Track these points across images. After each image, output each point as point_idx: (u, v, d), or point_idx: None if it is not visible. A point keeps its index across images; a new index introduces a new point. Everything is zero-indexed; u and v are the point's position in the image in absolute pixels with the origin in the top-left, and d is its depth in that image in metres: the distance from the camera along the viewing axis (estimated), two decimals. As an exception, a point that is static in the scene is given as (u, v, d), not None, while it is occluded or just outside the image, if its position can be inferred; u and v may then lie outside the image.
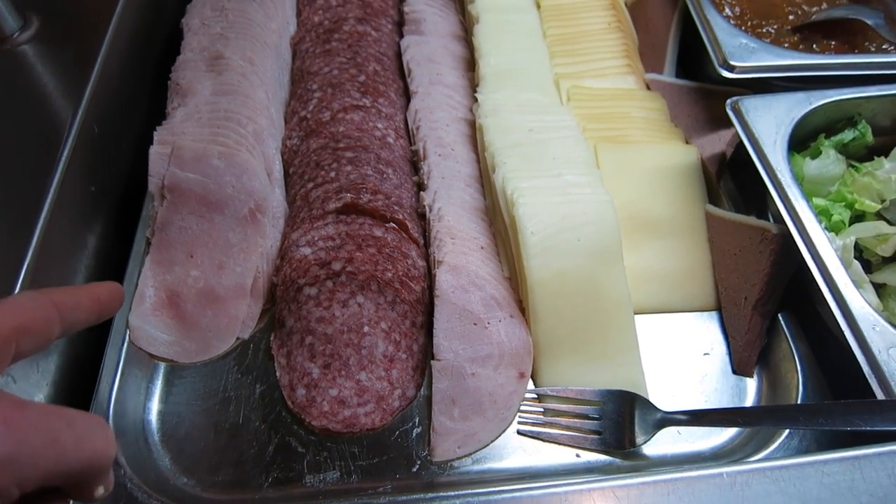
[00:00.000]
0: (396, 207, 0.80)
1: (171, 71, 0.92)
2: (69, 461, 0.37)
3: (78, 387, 0.70)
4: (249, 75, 0.91)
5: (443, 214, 0.79)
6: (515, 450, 0.69)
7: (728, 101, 0.80)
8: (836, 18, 0.94)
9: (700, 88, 0.93)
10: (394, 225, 0.79)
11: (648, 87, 0.95)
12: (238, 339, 0.76)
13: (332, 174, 0.83)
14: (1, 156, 0.73)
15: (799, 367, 0.71)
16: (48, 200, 0.69)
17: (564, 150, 0.82)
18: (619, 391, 0.70)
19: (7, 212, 0.68)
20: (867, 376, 0.60)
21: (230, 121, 0.84)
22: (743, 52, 0.84)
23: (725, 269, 0.78)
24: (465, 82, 0.96)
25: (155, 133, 0.82)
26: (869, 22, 0.90)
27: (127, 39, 0.92)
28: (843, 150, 0.81)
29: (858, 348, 0.62)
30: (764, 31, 0.96)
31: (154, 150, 0.80)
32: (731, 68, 0.83)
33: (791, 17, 0.99)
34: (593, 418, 0.69)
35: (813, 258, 0.67)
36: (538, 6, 1.01)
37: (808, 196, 0.72)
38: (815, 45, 0.94)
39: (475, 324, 0.72)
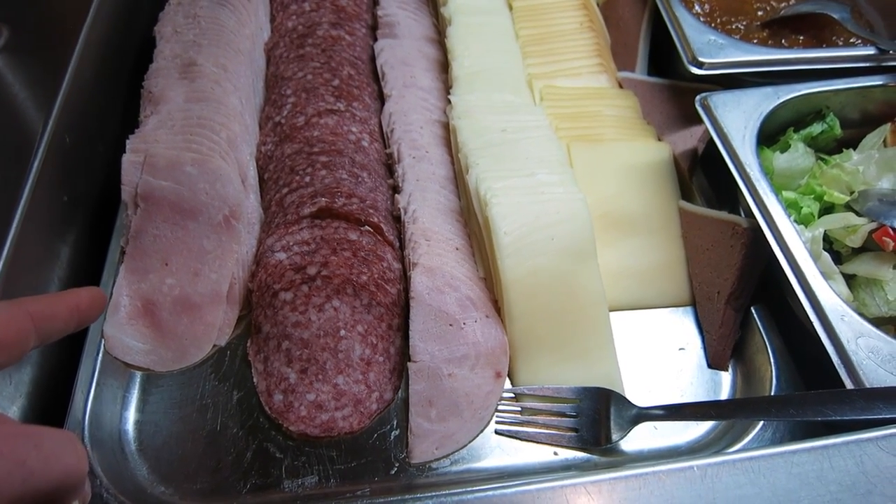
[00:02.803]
0: (371, 211, 0.80)
1: (144, 79, 0.91)
2: (38, 482, 0.36)
3: (53, 398, 0.70)
4: (223, 82, 0.90)
5: (417, 216, 0.79)
6: (494, 450, 0.69)
7: (697, 98, 0.80)
8: (804, 13, 0.95)
9: (671, 86, 0.94)
10: (369, 228, 0.79)
11: (621, 86, 0.96)
12: (215, 346, 0.76)
13: (307, 179, 0.83)
14: (-30, 167, 0.73)
15: (772, 360, 0.72)
16: (19, 212, 0.69)
17: (537, 150, 0.82)
18: (595, 388, 0.70)
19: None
20: (836, 366, 0.61)
21: (203, 128, 0.84)
22: (711, 49, 0.85)
23: (698, 264, 0.79)
24: (439, 84, 0.96)
25: (128, 141, 0.82)
26: (835, 16, 0.91)
27: (98, 48, 0.91)
28: (811, 143, 0.83)
29: (827, 339, 0.62)
30: (733, 27, 0.97)
31: (127, 159, 0.80)
32: (700, 65, 0.84)
33: (760, 13, 1.00)
34: (570, 416, 0.70)
35: (782, 251, 0.68)
36: (510, 7, 1.02)
37: (777, 189, 0.73)
38: (783, 40, 0.95)
39: (451, 325, 0.72)
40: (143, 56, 0.96)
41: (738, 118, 0.77)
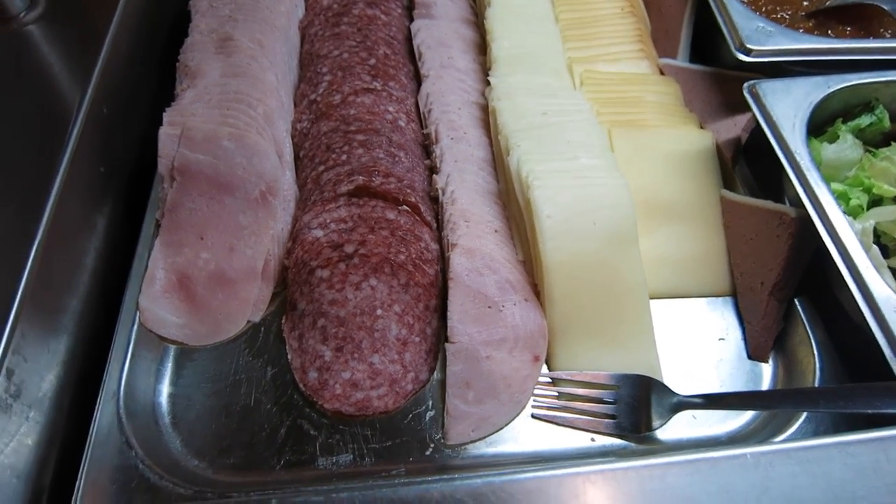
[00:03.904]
0: (409, 190, 0.79)
1: (180, 53, 0.91)
2: None
3: (88, 368, 0.69)
4: (259, 57, 0.90)
5: (456, 198, 0.78)
6: (530, 433, 0.68)
7: (745, 85, 0.79)
8: (851, 4, 0.93)
9: (714, 73, 0.92)
10: (406, 208, 0.78)
11: (662, 72, 0.94)
12: (249, 322, 0.75)
13: (344, 157, 0.82)
14: (9, 136, 0.72)
15: (816, 352, 0.71)
16: (58, 181, 0.68)
17: (579, 134, 0.81)
18: (634, 375, 0.69)
19: (16, 193, 0.67)
20: (889, 359, 0.60)
21: (240, 102, 0.83)
22: (760, 36, 0.83)
23: (741, 254, 0.78)
24: (476, 66, 0.95)
25: (164, 114, 0.81)
26: (886, 7, 0.89)
27: (135, 20, 0.91)
28: (859, 135, 0.81)
29: (880, 331, 0.61)
30: (778, 16, 0.96)
31: (164, 131, 0.79)
32: (748, 52, 0.82)
33: (805, 3, 0.98)
34: (608, 402, 0.69)
35: (833, 242, 0.66)
36: (550, -10, 1.00)
37: (825, 180, 0.71)
38: (829, 31, 0.93)
39: (489, 307, 0.71)
40: (177, 29, 0.96)
41: (787, 107, 0.76)
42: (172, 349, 0.73)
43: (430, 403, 0.70)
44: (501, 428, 0.68)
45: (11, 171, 0.69)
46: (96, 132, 0.77)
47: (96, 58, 0.81)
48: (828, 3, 0.95)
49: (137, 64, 0.92)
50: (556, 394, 0.70)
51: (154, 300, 0.73)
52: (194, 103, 0.84)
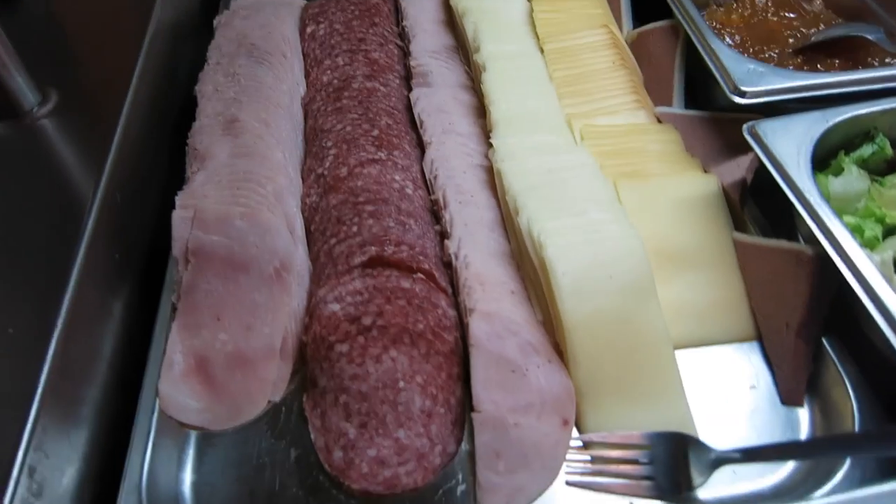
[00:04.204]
0: (422, 257, 0.79)
1: (189, 136, 0.92)
2: None
3: (109, 459, 0.68)
4: (265, 136, 0.91)
5: (470, 261, 0.78)
6: (566, 502, 0.66)
7: (745, 127, 0.79)
8: (837, 37, 0.95)
9: (711, 117, 0.93)
10: (421, 275, 0.77)
11: (659, 121, 0.95)
12: (269, 402, 0.74)
13: (355, 228, 0.82)
14: (25, 231, 0.73)
15: (851, 393, 0.69)
16: (75, 272, 0.69)
17: (585, 188, 0.81)
18: (668, 433, 0.67)
19: (33, 287, 0.68)
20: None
21: (250, 181, 0.84)
22: (752, 77, 0.84)
23: (761, 296, 0.77)
24: (477, 130, 0.97)
25: (177, 197, 0.82)
26: (870, 37, 0.91)
27: (144, 108, 0.93)
28: (863, 165, 0.81)
29: (915, 367, 0.60)
30: (766, 56, 0.98)
31: (177, 214, 0.80)
32: (743, 94, 0.84)
33: (791, 41, 1.00)
34: (644, 463, 0.67)
35: (855, 277, 0.65)
36: (542, 50, 1.03)
37: (837, 214, 0.71)
38: (818, 66, 0.95)
39: (513, 371, 0.70)
40: (185, 114, 0.98)
41: (789, 144, 0.76)
42: (194, 435, 0.71)
43: (461, 477, 0.68)
44: (536, 498, 0.66)
45: (28, 265, 0.69)
46: (110, 220, 0.78)
47: (108, 147, 0.83)
48: (813, 39, 0.97)
49: (148, 150, 0.93)
50: (590, 458, 0.68)
51: (173, 385, 0.72)
52: (205, 185, 0.85)
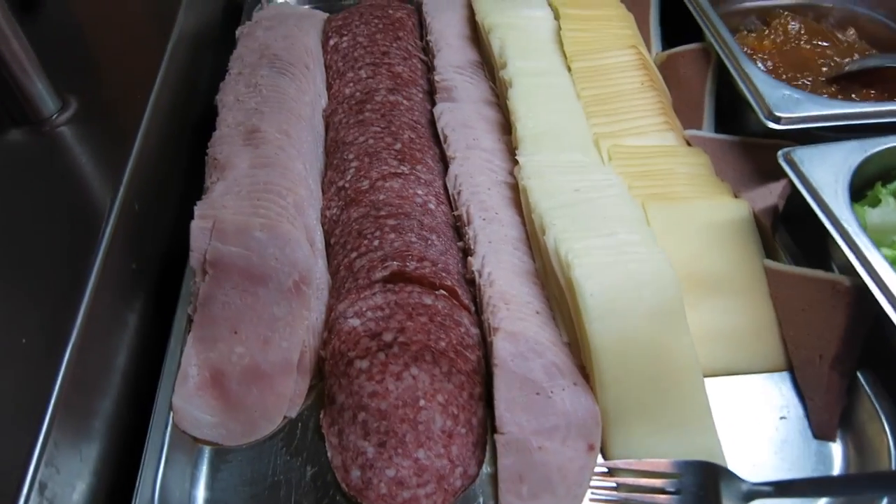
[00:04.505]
0: (444, 274, 0.77)
1: (209, 146, 0.91)
2: None
3: (120, 475, 0.66)
4: (286, 147, 0.90)
5: (494, 279, 0.76)
6: (590, 530, 0.64)
7: (780, 153, 0.78)
8: (872, 67, 0.93)
9: (742, 142, 0.91)
10: (443, 292, 0.76)
11: (689, 144, 0.94)
12: (286, 417, 0.72)
13: (376, 242, 0.81)
14: (43, 235, 0.72)
15: (887, 428, 0.67)
16: (91, 281, 0.67)
17: (614, 209, 0.80)
18: (699, 462, 0.65)
19: (48, 296, 0.66)
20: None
21: (270, 192, 0.83)
22: (788, 103, 0.83)
23: (794, 326, 0.75)
24: (502, 146, 0.95)
25: (196, 208, 0.81)
26: (907, 69, 0.89)
27: (164, 116, 0.92)
28: (900, 197, 0.79)
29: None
30: (799, 83, 0.96)
31: (195, 225, 0.79)
32: (778, 119, 0.82)
33: (824, 69, 0.99)
34: (672, 493, 0.64)
35: (894, 309, 0.63)
36: (569, 69, 1.02)
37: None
38: (853, 95, 0.94)
39: (538, 393, 0.68)
40: (205, 124, 0.97)
41: (826, 173, 0.74)
42: (207, 450, 0.69)
43: (482, 500, 0.66)
44: (559, 525, 0.64)
45: (43, 274, 0.68)
46: (128, 229, 0.77)
47: (127, 155, 0.82)
48: (847, 69, 0.96)
49: (167, 159, 0.92)
50: (615, 485, 0.66)
51: (187, 399, 0.70)
52: (224, 195, 0.84)
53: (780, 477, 0.67)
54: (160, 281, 0.83)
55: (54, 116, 0.86)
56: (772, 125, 0.83)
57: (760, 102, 0.84)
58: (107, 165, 0.81)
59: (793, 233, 0.83)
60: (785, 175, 0.79)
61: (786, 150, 0.78)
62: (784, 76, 0.96)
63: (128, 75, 0.96)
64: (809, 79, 0.97)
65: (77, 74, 0.94)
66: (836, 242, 0.69)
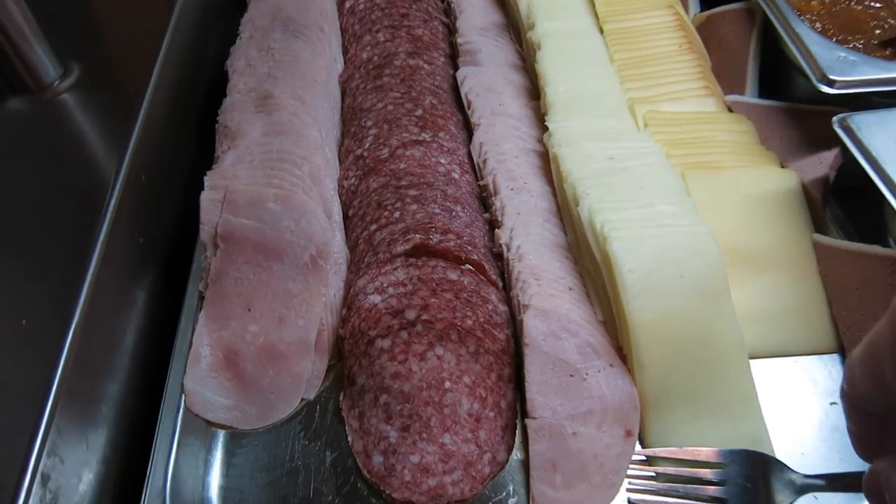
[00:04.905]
0: (470, 247, 0.73)
1: (219, 114, 0.87)
2: None
3: (130, 463, 0.62)
4: (301, 114, 0.85)
5: (523, 253, 0.71)
6: (628, 522, 0.60)
7: (835, 119, 0.72)
8: (930, 28, 0.86)
9: (789, 108, 0.85)
10: (469, 267, 0.71)
11: (730, 110, 0.88)
12: (303, 399, 0.68)
13: (397, 214, 0.76)
14: (44, 209, 0.67)
15: (950, 416, 0.62)
16: (95, 257, 0.63)
17: (652, 179, 0.74)
18: (745, 451, 0.60)
19: (50, 272, 0.62)
20: None
21: (284, 162, 0.78)
22: (843, 66, 0.76)
23: (846, 306, 0.69)
24: (529, 112, 0.90)
25: (206, 178, 0.76)
26: (969, 29, 0.82)
27: (171, 83, 0.87)
28: (964, 166, 0.73)
29: None
30: (850, 46, 0.89)
31: (205, 196, 0.74)
32: (832, 83, 0.76)
33: (878, 31, 0.92)
34: (717, 484, 0.60)
35: (964, 288, 0.58)
36: (601, 31, 0.95)
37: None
38: (909, 58, 0.87)
39: (572, 375, 0.64)
40: (215, 90, 0.92)
41: (887, 140, 0.69)
42: (221, 435, 0.66)
43: (512, 489, 0.62)
44: (596, 516, 0.60)
45: (45, 251, 0.63)
46: (134, 202, 0.72)
47: (133, 123, 0.77)
48: (902, 30, 0.89)
49: (175, 128, 0.87)
50: (654, 474, 0.62)
51: (200, 381, 0.66)
52: (236, 165, 0.79)
53: (829, 467, 0.63)
54: (169, 256, 0.79)
55: (55, 83, 0.81)
56: (825, 89, 0.76)
57: (813, 65, 0.78)
58: (111, 134, 0.76)
59: (845, 206, 0.78)
60: (837, 143, 0.73)
61: (841, 115, 0.72)
62: (834, 39, 0.89)
63: (133, 40, 0.91)
64: (861, 41, 0.90)
65: (79, 39, 0.89)
66: (896, 215, 0.64)
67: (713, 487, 0.60)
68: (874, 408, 0.40)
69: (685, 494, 0.60)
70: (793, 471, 0.59)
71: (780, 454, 0.63)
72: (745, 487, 0.59)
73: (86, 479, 0.56)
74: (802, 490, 0.58)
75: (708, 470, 0.61)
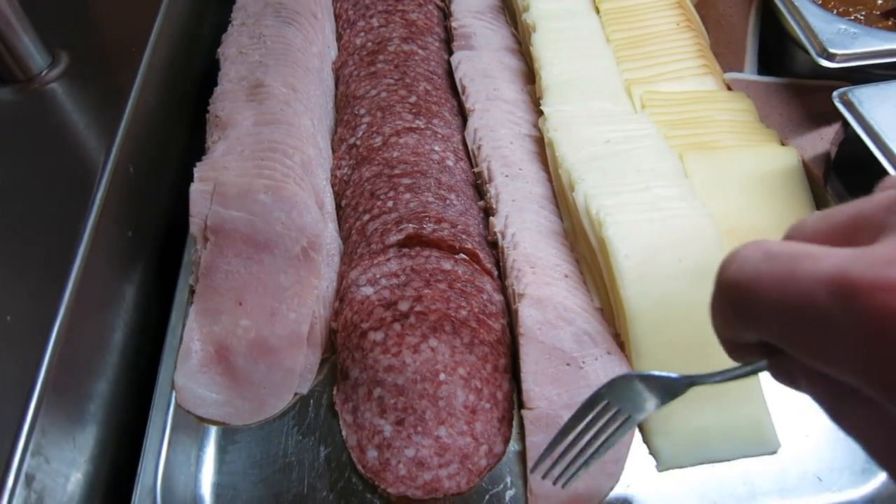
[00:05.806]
0: (464, 236, 0.71)
1: (209, 103, 0.85)
2: None
3: (120, 462, 0.62)
4: (293, 102, 0.84)
5: (518, 241, 0.70)
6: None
7: (835, 94, 0.70)
8: (936, -2, 0.84)
9: (789, 84, 0.83)
10: (463, 256, 0.70)
11: (729, 88, 0.85)
12: (296, 394, 0.67)
13: (390, 204, 0.75)
14: (30, 200, 0.66)
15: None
16: (81, 250, 0.62)
17: (649, 161, 0.73)
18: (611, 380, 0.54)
19: (35, 266, 0.61)
20: None
21: (275, 152, 0.77)
22: (844, 39, 0.74)
23: (851, 285, 0.67)
24: (524, 97, 0.88)
25: (195, 169, 0.75)
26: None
27: (161, 72, 0.85)
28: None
29: None
30: (852, 17, 0.87)
31: (195, 188, 0.73)
32: (832, 57, 0.74)
33: (879, 2, 0.89)
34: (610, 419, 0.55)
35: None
36: (597, 10, 0.93)
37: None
38: (912, 30, 0.84)
39: (568, 364, 0.62)
40: (207, 80, 0.91)
41: (889, 114, 0.67)
42: (213, 431, 0.65)
43: (509, 481, 0.61)
44: (594, 506, 0.59)
45: (30, 244, 0.62)
46: (122, 194, 0.71)
47: (121, 114, 0.76)
48: (907, 0, 0.86)
49: (165, 118, 0.86)
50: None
51: (191, 376, 0.66)
52: (226, 156, 0.78)
53: (833, 449, 0.62)
54: (159, 249, 0.78)
55: (43, 73, 0.80)
56: (825, 63, 0.74)
57: (812, 39, 0.76)
58: (99, 125, 0.75)
59: (847, 182, 0.76)
60: (838, 118, 0.71)
61: (842, 90, 0.70)
62: (835, 11, 0.86)
63: (122, 28, 0.89)
64: (863, 13, 0.87)
65: (68, 27, 0.87)
66: (902, 192, 0.62)
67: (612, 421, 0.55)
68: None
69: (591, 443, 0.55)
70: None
71: (783, 437, 0.62)
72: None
73: (74, 478, 0.55)
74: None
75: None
